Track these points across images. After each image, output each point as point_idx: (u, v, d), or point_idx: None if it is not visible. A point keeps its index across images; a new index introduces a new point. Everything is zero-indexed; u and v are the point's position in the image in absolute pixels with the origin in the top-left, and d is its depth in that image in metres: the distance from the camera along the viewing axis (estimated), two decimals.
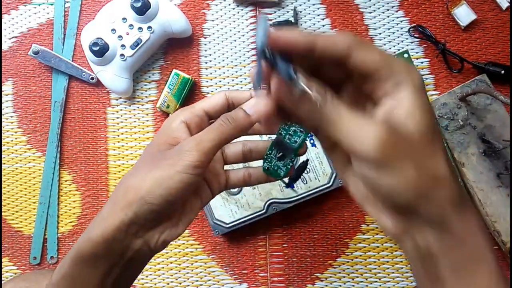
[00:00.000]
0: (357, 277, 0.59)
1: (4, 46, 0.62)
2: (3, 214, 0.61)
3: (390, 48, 0.60)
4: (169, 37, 0.59)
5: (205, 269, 0.60)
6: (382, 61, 0.28)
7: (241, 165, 0.42)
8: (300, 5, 0.60)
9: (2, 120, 0.61)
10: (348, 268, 0.59)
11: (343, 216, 0.59)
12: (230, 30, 0.61)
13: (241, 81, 0.61)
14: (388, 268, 0.59)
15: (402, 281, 0.59)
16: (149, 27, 0.56)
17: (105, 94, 0.61)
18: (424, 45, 0.60)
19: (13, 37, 0.62)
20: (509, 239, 0.55)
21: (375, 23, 0.60)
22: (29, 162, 0.61)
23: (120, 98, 0.61)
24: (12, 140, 0.61)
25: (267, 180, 0.39)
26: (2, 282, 0.58)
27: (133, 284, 0.60)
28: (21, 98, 0.61)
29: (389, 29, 0.60)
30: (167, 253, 0.60)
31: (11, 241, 0.61)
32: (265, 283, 0.59)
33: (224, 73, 0.61)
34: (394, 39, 0.60)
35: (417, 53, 0.60)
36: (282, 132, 0.36)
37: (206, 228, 0.60)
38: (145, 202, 0.31)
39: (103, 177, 0.61)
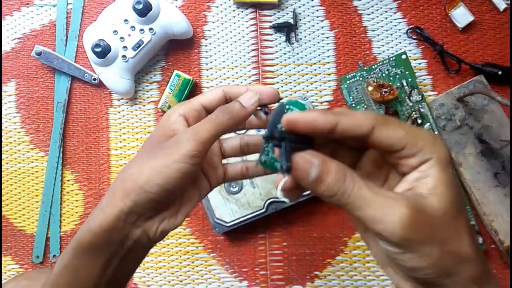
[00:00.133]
0: (356, 275, 0.59)
1: (7, 47, 0.62)
2: (6, 213, 0.62)
3: (388, 50, 0.60)
4: (170, 39, 0.60)
5: (205, 267, 0.60)
6: (407, 137, 0.28)
7: (239, 159, 0.43)
8: (300, 7, 0.61)
9: (5, 120, 0.62)
10: (347, 267, 0.60)
11: (342, 215, 0.60)
12: (231, 32, 0.61)
13: (242, 82, 0.61)
14: None
15: None
16: (151, 29, 0.57)
17: (107, 95, 0.62)
18: (422, 47, 0.60)
19: (15, 38, 0.62)
20: (508, 239, 0.55)
21: (373, 25, 0.61)
22: (32, 162, 0.62)
23: (122, 98, 0.62)
24: (15, 140, 0.62)
25: (264, 173, 0.39)
26: (4, 281, 0.59)
27: (135, 282, 0.61)
28: (24, 98, 0.62)
29: (387, 30, 0.60)
30: (168, 251, 0.61)
31: (14, 240, 0.62)
32: (265, 281, 0.60)
33: (224, 74, 0.61)
34: (392, 41, 0.60)
35: (415, 54, 0.60)
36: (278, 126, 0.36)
37: (207, 227, 0.60)
38: (143, 191, 0.32)
39: (105, 176, 0.61)
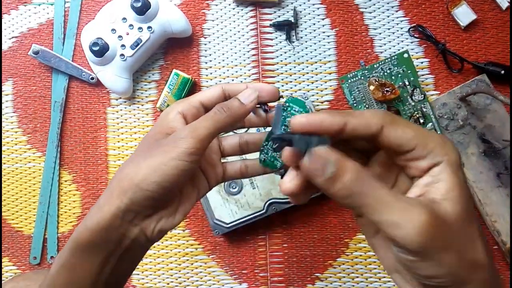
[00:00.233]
0: (357, 277, 0.59)
1: (4, 46, 0.62)
2: (3, 214, 0.61)
3: (390, 48, 0.60)
4: (169, 37, 0.59)
5: (205, 269, 0.60)
6: (416, 138, 0.27)
7: (239, 157, 0.42)
8: (300, 5, 0.60)
9: (2, 120, 0.61)
10: (348, 268, 0.59)
11: (343, 216, 0.59)
12: (230, 30, 0.61)
13: (241, 81, 0.61)
14: None
15: None
16: (149, 27, 0.56)
17: (105, 94, 0.61)
18: (424, 45, 0.60)
19: (13, 37, 0.62)
20: (509, 239, 0.55)
21: (375, 23, 0.60)
22: (29, 162, 0.61)
23: (120, 98, 0.61)
24: (12, 140, 0.61)
25: (264, 171, 0.39)
26: (3, 282, 0.58)
27: (134, 284, 0.60)
28: (21, 98, 0.61)
29: (389, 29, 0.60)
30: (167, 253, 0.60)
31: (11, 241, 0.61)
32: (265, 283, 0.59)
33: (224, 73, 0.61)
34: (394, 39, 0.60)
35: (417, 53, 0.60)
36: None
37: (206, 228, 0.60)
38: (140, 189, 0.31)
39: (103, 177, 0.61)
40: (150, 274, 0.60)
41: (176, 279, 0.60)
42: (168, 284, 0.60)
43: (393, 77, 0.57)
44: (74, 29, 0.61)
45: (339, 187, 0.26)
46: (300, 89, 0.60)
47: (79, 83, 0.61)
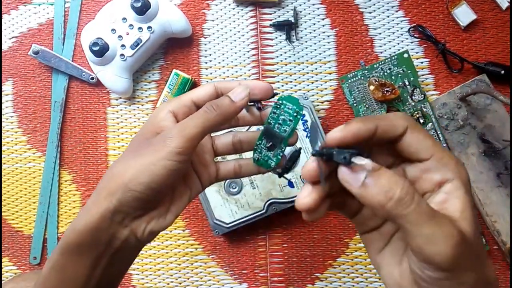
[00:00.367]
0: (357, 277, 0.59)
1: (4, 46, 0.62)
2: (3, 214, 0.61)
3: (390, 48, 0.60)
4: (169, 37, 0.59)
5: (205, 269, 0.60)
6: (434, 149, 0.27)
7: (234, 156, 0.42)
8: (300, 5, 0.60)
9: (2, 120, 0.61)
10: (348, 268, 0.59)
11: (343, 216, 0.59)
12: (230, 30, 0.61)
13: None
14: None
15: None
16: (149, 27, 0.56)
17: (105, 94, 0.61)
18: (424, 45, 0.60)
19: (13, 37, 0.62)
20: (509, 239, 0.55)
21: (375, 23, 0.60)
22: (29, 162, 0.61)
23: (120, 98, 0.61)
24: (12, 140, 0.61)
25: (258, 171, 0.38)
26: (3, 282, 0.58)
27: (134, 284, 0.60)
28: (21, 98, 0.61)
29: (389, 29, 0.60)
30: (167, 253, 0.60)
31: (11, 241, 0.61)
32: (265, 283, 0.59)
33: (224, 73, 0.61)
34: (394, 39, 0.60)
35: (417, 53, 0.60)
36: (271, 121, 0.35)
37: (206, 228, 0.60)
38: (128, 190, 0.31)
39: None
40: (150, 274, 0.60)
41: (176, 279, 0.60)
42: (168, 284, 0.60)
43: (393, 77, 0.57)
44: (74, 29, 0.61)
45: (376, 190, 0.25)
46: (300, 89, 0.60)
47: (79, 83, 0.61)
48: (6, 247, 0.61)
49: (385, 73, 0.57)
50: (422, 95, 0.57)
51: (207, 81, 0.61)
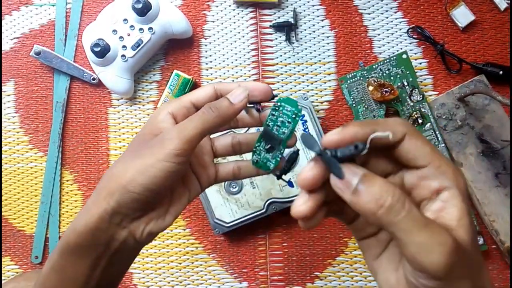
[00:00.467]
0: (357, 276, 0.59)
1: (6, 47, 0.62)
2: (4, 213, 0.62)
3: (389, 49, 0.60)
4: (170, 38, 0.60)
5: (205, 268, 0.60)
6: (432, 156, 0.27)
7: (235, 157, 0.42)
8: (300, 6, 0.61)
9: (4, 120, 0.62)
10: (347, 267, 0.59)
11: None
12: (231, 31, 0.61)
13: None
14: None
15: None
16: (150, 28, 0.57)
17: (106, 95, 0.62)
18: (423, 46, 0.60)
19: (14, 38, 0.62)
20: (509, 239, 0.55)
21: (374, 24, 0.60)
22: (31, 162, 0.62)
23: (121, 98, 0.61)
24: (14, 140, 0.62)
25: (257, 173, 0.38)
26: (4, 281, 0.59)
27: (135, 283, 0.60)
28: (23, 98, 0.62)
29: (388, 30, 0.60)
30: (167, 252, 0.61)
31: (13, 240, 0.61)
32: (265, 281, 0.60)
33: (224, 73, 0.61)
34: (393, 40, 0.60)
35: (415, 53, 0.60)
36: (269, 123, 0.35)
37: (207, 228, 0.60)
38: (127, 191, 0.31)
39: None
40: (151, 273, 0.60)
41: (177, 278, 0.60)
42: (168, 282, 0.60)
43: (392, 78, 0.58)
44: (76, 30, 0.61)
45: (368, 198, 0.25)
46: (299, 90, 0.60)
47: (80, 83, 0.62)
48: (7, 246, 0.61)
49: (384, 74, 0.58)
50: (421, 96, 0.57)
51: (208, 82, 0.61)
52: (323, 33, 0.61)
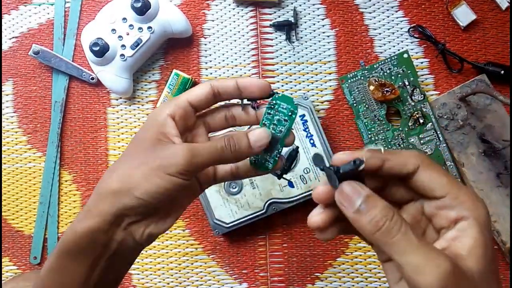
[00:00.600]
0: (357, 276, 0.59)
1: (4, 46, 0.62)
2: (3, 214, 0.61)
3: (390, 48, 0.60)
4: (169, 37, 0.59)
5: (205, 269, 0.60)
6: (449, 187, 0.28)
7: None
8: (300, 5, 0.60)
9: (3, 120, 0.62)
10: (348, 268, 0.59)
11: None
12: (230, 30, 0.61)
13: None
14: None
15: None
16: (149, 27, 0.56)
17: (105, 94, 0.61)
18: (424, 45, 0.60)
19: (13, 37, 0.62)
20: (509, 239, 0.55)
21: (375, 23, 0.60)
22: (30, 162, 0.61)
23: (120, 98, 0.61)
24: (12, 140, 0.61)
25: (256, 173, 0.38)
26: (3, 282, 0.59)
27: (134, 284, 0.60)
28: (21, 98, 0.62)
29: (389, 29, 0.60)
30: (167, 253, 0.60)
31: (12, 241, 0.61)
32: (265, 282, 0.59)
33: (224, 73, 0.61)
34: (394, 39, 0.60)
35: (417, 53, 0.60)
36: (266, 122, 0.35)
37: (206, 228, 0.60)
38: (133, 196, 0.31)
39: None
40: (150, 274, 0.60)
41: (176, 279, 0.60)
42: (168, 284, 0.60)
43: (393, 77, 0.57)
44: (74, 29, 0.61)
45: (368, 219, 0.27)
46: (300, 89, 0.60)
47: (79, 83, 0.61)
48: (6, 247, 0.61)
49: (385, 73, 0.57)
50: (422, 95, 0.57)
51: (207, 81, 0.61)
52: (324, 32, 0.60)
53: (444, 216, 0.28)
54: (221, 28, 0.61)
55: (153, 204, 0.32)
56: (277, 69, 0.60)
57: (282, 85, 0.60)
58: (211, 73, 0.61)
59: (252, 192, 0.56)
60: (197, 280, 0.60)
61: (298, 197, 0.56)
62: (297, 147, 0.36)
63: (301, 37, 0.60)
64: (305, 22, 0.60)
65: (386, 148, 0.58)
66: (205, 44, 0.61)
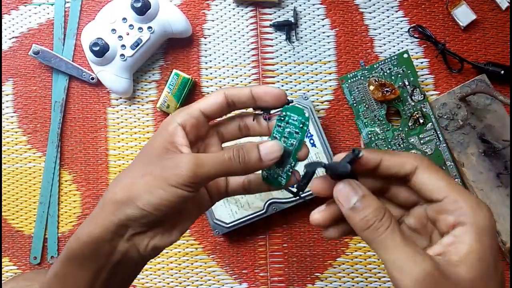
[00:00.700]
0: (357, 276, 0.59)
1: (4, 46, 0.62)
2: (3, 214, 0.61)
3: (390, 48, 0.60)
4: (169, 37, 0.59)
5: (205, 269, 0.60)
6: (447, 190, 0.28)
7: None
8: (300, 5, 0.60)
9: (3, 120, 0.62)
10: (348, 268, 0.59)
11: None
12: (230, 30, 0.61)
13: (241, 81, 0.61)
14: None
15: None
16: (149, 27, 0.56)
17: (105, 94, 0.61)
18: (424, 45, 0.60)
19: (13, 37, 0.62)
20: (509, 239, 0.55)
21: (375, 23, 0.60)
22: (30, 162, 0.61)
23: (120, 98, 0.61)
24: (12, 140, 0.61)
25: (268, 189, 0.36)
26: (3, 282, 0.59)
27: (134, 284, 0.60)
28: (21, 98, 0.62)
29: (389, 29, 0.60)
30: (167, 252, 0.60)
31: (12, 241, 0.61)
32: (265, 282, 0.59)
33: (224, 73, 0.61)
34: (394, 39, 0.60)
35: (417, 53, 0.60)
36: (276, 135, 0.33)
37: (206, 228, 0.60)
38: (135, 207, 0.30)
39: (103, 177, 0.61)
40: (150, 274, 0.60)
41: (176, 279, 0.60)
42: (168, 284, 0.60)
43: (393, 77, 0.57)
44: (74, 29, 0.61)
45: (360, 218, 0.28)
46: (300, 89, 0.60)
47: (79, 83, 0.61)
48: (6, 247, 0.61)
49: (385, 73, 0.57)
50: (422, 95, 0.57)
51: (207, 81, 0.61)
52: (324, 32, 0.60)
53: (443, 221, 0.29)
54: (221, 28, 0.61)
55: (157, 216, 0.31)
56: (277, 69, 0.60)
57: (282, 85, 0.60)
58: (211, 73, 0.61)
59: None
60: (197, 280, 0.60)
61: (298, 197, 0.56)
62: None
63: (301, 37, 0.60)
64: (305, 22, 0.60)
65: (386, 148, 0.58)
66: (205, 44, 0.61)
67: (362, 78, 0.58)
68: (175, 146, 0.32)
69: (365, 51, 0.60)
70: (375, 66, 0.58)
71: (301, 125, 0.33)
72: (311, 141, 0.56)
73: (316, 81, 0.60)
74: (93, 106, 0.61)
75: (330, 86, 0.60)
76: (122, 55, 0.57)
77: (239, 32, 0.61)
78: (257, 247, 0.60)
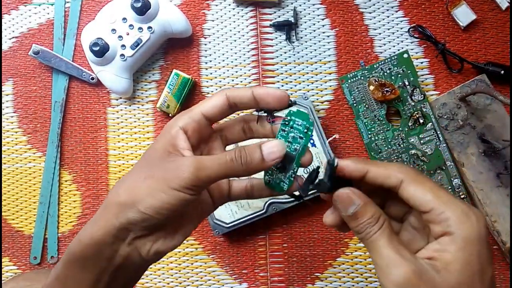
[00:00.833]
0: (357, 276, 0.59)
1: (4, 46, 0.62)
2: (3, 214, 0.61)
3: (390, 48, 0.60)
4: (169, 37, 0.59)
5: (205, 269, 0.60)
6: (433, 203, 0.29)
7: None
8: (300, 5, 0.60)
9: (3, 120, 0.62)
10: (348, 268, 0.59)
11: None
12: (230, 30, 0.61)
13: (241, 81, 0.61)
14: None
15: None
16: (149, 27, 0.56)
17: (105, 94, 0.61)
18: (424, 45, 0.60)
19: (13, 37, 0.62)
20: (509, 239, 0.55)
21: (375, 23, 0.60)
22: (29, 162, 0.61)
23: (120, 98, 0.61)
24: (12, 140, 0.61)
25: (271, 194, 0.36)
26: (3, 282, 0.59)
27: None
28: (21, 98, 0.62)
29: (389, 29, 0.60)
30: None
31: (12, 241, 0.61)
32: (265, 282, 0.59)
33: (224, 73, 0.61)
34: (394, 39, 0.60)
35: (417, 53, 0.60)
36: (280, 139, 0.33)
37: (206, 228, 0.60)
38: (137, 210, 0.30)
39: (103, 177, 0.61)
40: (150, 274, 0.60)
41: (176, 279, 0.60)
42: (168, 284, 0.60)
43: (393, 77, 0.57)
44: (74, 29, 0.61)
45: (356, 224, 0.31)
46: (300, 89, 0.60)
47: (79, 83, 0.61)
48: (6, 247, 0.61)
49: (385, 73, 0.57)
50: (422, 95, 0.57)
51: (207, 81, 0.61)
52: (324, 32, 0.60)
53: (432, 229, 0.30)
54: (221, 28, 0.61)
55: (159, 219, 0.31)
56: (277, 69, 0.60)
57: (282, 85, 0.60)
58: (211, 73, 0.61)
59: None
60: (197, 280, 0.60)
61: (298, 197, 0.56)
62: (318, 167, 0.33)
63: (301, 37, 0.60)
64: (305, 22, 0.60)
65: (386, 148, 0.58)
66: (205, 44, 0.61)
67: (362, 78, 0.58)
68: (176, 149, 0.32)
69: (365, 51, 0.60)
70: (375, 66, 0.58)
71: (305, 130, 0.33)
72: (311, 141, 0.56)
73: (316, 81, 0.60)
74: (93, 106, 0.61)
75: (330, 86, 0.60)
76: (122, 55, 0.57)
77: (239, 32, 0.61)
78: (257, 247, 0.60)
